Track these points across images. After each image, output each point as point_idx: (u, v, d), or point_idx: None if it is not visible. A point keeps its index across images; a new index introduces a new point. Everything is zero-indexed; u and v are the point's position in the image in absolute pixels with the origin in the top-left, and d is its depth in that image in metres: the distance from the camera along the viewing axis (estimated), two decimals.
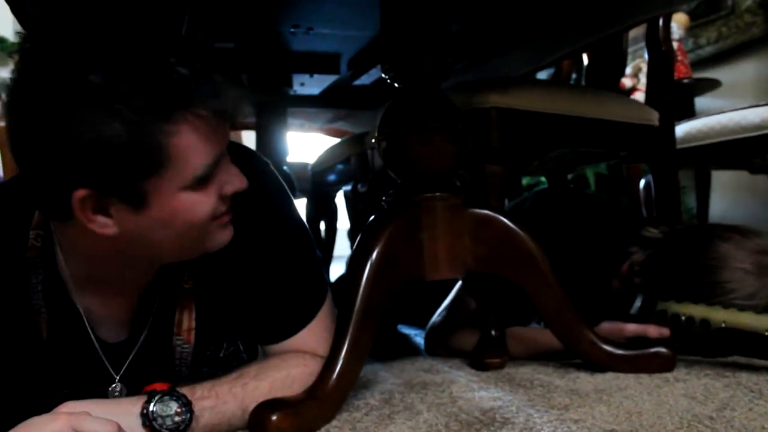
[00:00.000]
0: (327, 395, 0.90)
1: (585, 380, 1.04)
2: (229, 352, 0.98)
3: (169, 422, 0.79)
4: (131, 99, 0.68)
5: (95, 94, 0.67)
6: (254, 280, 0.93)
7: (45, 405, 0.77)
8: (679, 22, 3.11)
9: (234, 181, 0.81)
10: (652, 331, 1.12)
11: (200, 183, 0.76)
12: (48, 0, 1.06)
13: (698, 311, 1.09)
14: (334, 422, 0.89)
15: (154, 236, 0.78)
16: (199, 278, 0.91)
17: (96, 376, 0.89)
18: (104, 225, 0.75)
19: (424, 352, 1.36)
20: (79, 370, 0.88)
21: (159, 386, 0.81)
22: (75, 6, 0.82)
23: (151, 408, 0.78)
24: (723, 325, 1.06)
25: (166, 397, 0.80)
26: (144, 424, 0.78)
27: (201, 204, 0.77)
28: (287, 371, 0.91)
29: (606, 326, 1.15)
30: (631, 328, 1.13)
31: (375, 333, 0.96)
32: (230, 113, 0.76)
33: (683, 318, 1.10)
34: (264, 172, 0.96)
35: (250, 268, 0.93)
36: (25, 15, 1.17)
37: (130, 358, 0.90)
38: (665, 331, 1.11)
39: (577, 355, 1.10)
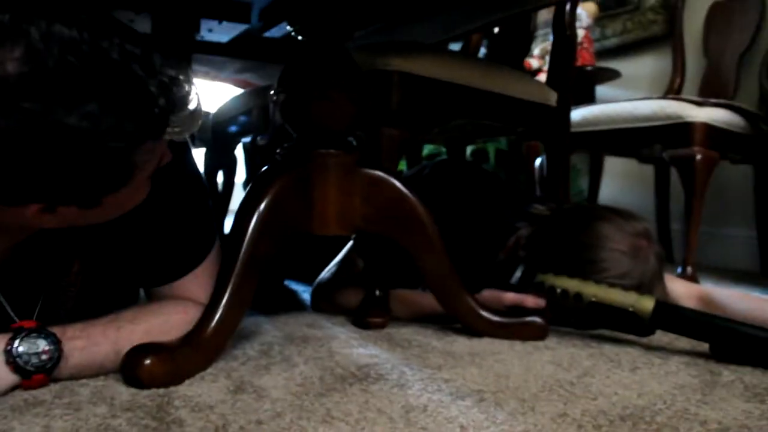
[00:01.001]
0: (204, 342, 0.89)
1: (461, 344, 1.08)
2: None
3: (35, 360, 0.76)
4: (118, 134, 0.67)
5: (87, 129, 0.65)
6: (141, 222, 0.90)
7: None
8: (588, 11, 3.19)
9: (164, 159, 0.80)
10: (529, 301, 1.17)
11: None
12: None
13: (572, 285, 1.14)
14: (210, 370, 0.89)
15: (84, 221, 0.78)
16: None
17: None
18: (46, 221, 0.74)
19: (310, 308, 1.37)
20: None
21: (27, 324, 0.79)
22: None
23: (15, 345, 0.75)
24: (593, 299, 1.12)
25: (33, 335, 0.77)
26: (7, 362, 0.75)
27: (143, 192, 0.80)
28: (166, 317, 0.90)
29: (486, 294, 1.19)
30: (510, 296, 1.18)
31: (257, 284, 0.96)
32: None
33: (559, 290, 1.15)
34: None
35: (139, 209, 0.90)
36: None
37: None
38: (541, 302, 1.16)
39: (456, 319, 1.14)
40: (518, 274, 1.23)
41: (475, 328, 1.12)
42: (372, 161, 1.08)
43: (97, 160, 0.68)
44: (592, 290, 1.13)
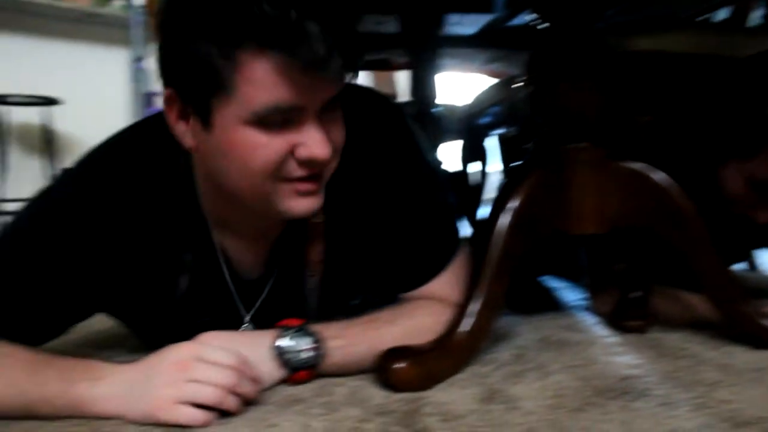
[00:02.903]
0: (456, 346, 0.88)
1: (740, 357, 0.95)
2: (360, 303, 0.98)
3: (300, 356, 0.81)
4: (212, 25, 0.69)
5: (194, 16, 0.70)
6: (387, 229, 0.92)
7: (185, 332, 0.81)
8: None
9: (311, 146, 0.74)
10: None
11: (262, 124, 0.72)
12: None
13: None
14: (461, 375, 0.88)
15: (220, 164, 0.77)
16: (332, 217, 0.91)
17: (228, 312, 0.92)
18: (183, 134, 0.78)
19: (566, 308, 1.31)
20: (214, 303, 0.92)
21: (292, 322, 0.84)
22: None
23: (282, 341, 0.81)
24: None
25: (299, 333, 0.82)
26: (276, 357, 0.81)
27: (259, 148, 0.74)
28: (420, 319, 0.90)
29: None
30: None
31: (509, 285, 0.92)
32: (312, 65, 0.69)
33: None
34: (390, 117, 0.94)
35: (382, 216, 0.92)
36: None
37: (262, 297, 0.93)
38: None
39: (733, 325, 1.01)
40: None
41: (753, 337, 0.98)
42: (628, 152, 0.99)
43: (198, 50, 0.70)
44: None
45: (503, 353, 0.97)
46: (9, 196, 3.72)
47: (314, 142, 0.74)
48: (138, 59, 4.16)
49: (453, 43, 1.87)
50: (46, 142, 3.86)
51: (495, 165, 2.30)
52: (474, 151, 2.23)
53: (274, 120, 0.72)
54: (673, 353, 0.96)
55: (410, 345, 0.86)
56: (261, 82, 0.70)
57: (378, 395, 0.81)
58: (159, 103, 4.21)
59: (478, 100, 2.06)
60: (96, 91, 4.19)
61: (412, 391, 0.81)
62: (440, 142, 2.05)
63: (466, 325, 0.88)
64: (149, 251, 0.86)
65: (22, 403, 0.74)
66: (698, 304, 1.09)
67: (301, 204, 0.78)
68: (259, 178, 0.75)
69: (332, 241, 0.92)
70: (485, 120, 2.06)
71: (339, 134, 0.79)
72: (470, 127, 2.16)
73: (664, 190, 0.96)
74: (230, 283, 0.91)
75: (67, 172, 0.88)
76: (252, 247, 0.91)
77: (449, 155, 2.29)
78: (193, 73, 0.72)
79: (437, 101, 1.91)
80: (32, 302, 0.82)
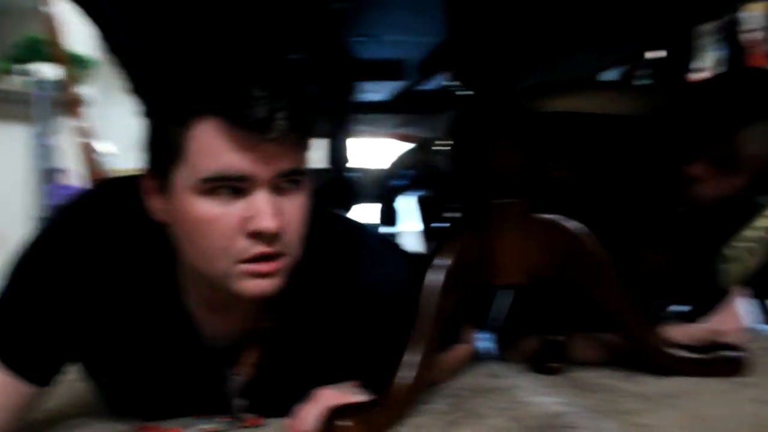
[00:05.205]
0: (398, 400, 0.92)
1: (652, 384, 1.04)
2: None
3: None
4: (169, 94, 0.76)
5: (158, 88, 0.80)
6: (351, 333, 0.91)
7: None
8: (757, 10, 2.98)
9: (259, 218, 0.72)
10: (730, 333, 1.11)
11: (211, 194, 0.72)
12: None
13: None
14: (403, 428, 0.91)
15: (181, 241, 0.77)
16: (282, 322, 0.89)
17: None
18: (154, 207, 0.79)
19: (491, 356, 1.37)
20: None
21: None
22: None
23: None
24: None
25: None
26: None
27: (211, 221, 0.73)
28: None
29: (675, 331, 1.14)
30: (699, 332, 1.12)
31: (442, 340, 0.98)
32: (254, 128, 0.70)
33: None
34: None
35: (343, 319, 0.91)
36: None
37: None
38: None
39: (644, 358, 1.10)
40: None
41: (665, 366, 1.08)
42: (546, 205, 1.07)
43: (157, 126, 0.77)
44: None
45: (439, 403, 1.01)
46: None
47: (262, 214, 0.72)
48: (41, 135, 4.06)
49: (364, 109, 1.95)
50: None
51: (411, 225, 2.38)
52: (388, 213, 2.30)
53: (223, 190, 0.72)
54: (591, 389, 1.04)
55: (352, 402, 0.88)
56: (207, 147, 0.71)
57: None
58: (62, 180, 4.08)
59: (395, 163, 2.15)
60: None
61: None
62: (353, 205, 2.09)
63: (407, 378, 0.92)
64: (120, 311, 0.84)
65: None
66: (606, 341, 1.18)
67: (254, 285, 0.75)
68: (213, 256, 0.74)
69: (272, 347, 0.90)
70: (399, 182, 2.14)
71: (298, 213, 0.76)
72: (385, 190, 2.23)
73: (575, 236, 1.05)
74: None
75: (52, 220, 0.86)
76: (223, 319, 0.87)
77: (363, 217, 2.34)
78: (155, 143, 0.76)
79: (351, 165, 1.97)
80: (26, 334, 0.81)
